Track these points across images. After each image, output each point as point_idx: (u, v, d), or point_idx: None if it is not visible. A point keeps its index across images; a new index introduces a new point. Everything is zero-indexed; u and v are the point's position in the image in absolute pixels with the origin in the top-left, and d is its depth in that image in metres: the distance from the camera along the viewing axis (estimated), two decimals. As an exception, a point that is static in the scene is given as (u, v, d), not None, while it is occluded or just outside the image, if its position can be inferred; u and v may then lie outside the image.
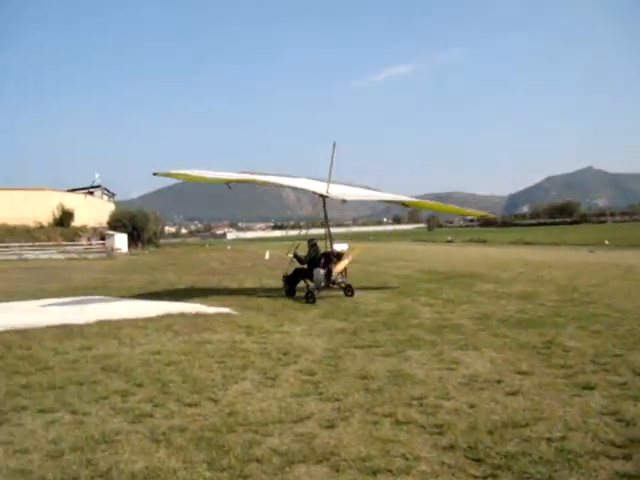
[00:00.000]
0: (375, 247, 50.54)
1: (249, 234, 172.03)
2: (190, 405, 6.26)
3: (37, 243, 47.96)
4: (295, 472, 4.56)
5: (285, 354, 8.62)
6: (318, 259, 15.82)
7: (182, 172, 16.35)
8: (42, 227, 49.20)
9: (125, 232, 51.61)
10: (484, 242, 55.62)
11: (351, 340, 9.64)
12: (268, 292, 17.00)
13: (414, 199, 20.59)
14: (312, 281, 15.49)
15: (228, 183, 16.64)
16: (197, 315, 12.41)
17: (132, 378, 7.38)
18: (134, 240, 52.14)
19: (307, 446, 5.05)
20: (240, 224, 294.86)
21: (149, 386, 7.02)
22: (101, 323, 11.54)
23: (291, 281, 16.00)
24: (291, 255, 16.07)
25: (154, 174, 15.71)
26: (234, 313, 12.76)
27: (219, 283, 20.25)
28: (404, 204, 20.69)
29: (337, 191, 16.53)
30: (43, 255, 44.85)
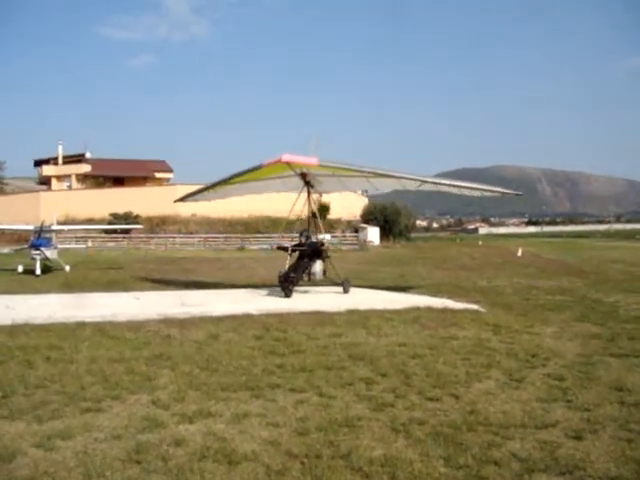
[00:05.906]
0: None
1: (502, 229, 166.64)
2: (431, 399, 6.31)
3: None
4: (534, 481, 4.37)
5: (533, 356, 8.28)
6: (317, 250, 15.55)
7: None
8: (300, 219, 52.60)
9: (377, 225, 53.30)
10: None
11: (607, 347, 8.96)
12: (518, 291, 16.44)
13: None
14: (309, 272, 15.39)
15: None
16: (444, 310, 12.40)
17: (377, 367, 7.63)
18: (386, 233, 53.72)
19: (550, 455, 4.81)
20: (492, 219, 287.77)
21: (393, 377, 7.21)
22: (350, 312, 12.05)
23: (292, 278, 14.55)
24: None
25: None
26: (482, 310, 12.54)
27: (468, 279, 20.05)
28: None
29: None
30: (300, 246, 48.14)
